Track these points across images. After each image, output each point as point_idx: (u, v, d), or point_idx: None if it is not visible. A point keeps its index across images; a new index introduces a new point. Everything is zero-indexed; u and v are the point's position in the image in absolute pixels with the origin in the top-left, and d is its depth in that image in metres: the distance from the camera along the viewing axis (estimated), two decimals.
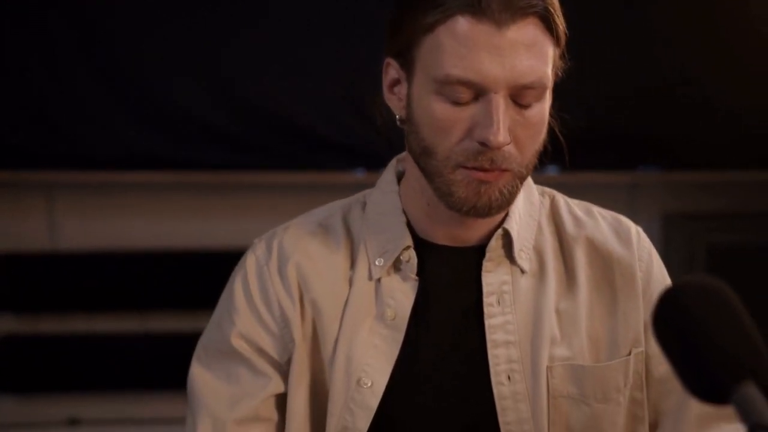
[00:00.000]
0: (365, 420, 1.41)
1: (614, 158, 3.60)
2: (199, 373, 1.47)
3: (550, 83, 1.35)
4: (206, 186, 3.76)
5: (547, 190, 1.54)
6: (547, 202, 1.52)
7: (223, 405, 1.43)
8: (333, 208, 1.52)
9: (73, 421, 3.77)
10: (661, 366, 1.45)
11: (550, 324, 1.42)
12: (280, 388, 1.44)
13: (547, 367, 1.41)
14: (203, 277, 3.61)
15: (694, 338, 0.87)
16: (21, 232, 3.74)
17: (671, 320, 0.90)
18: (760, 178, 3.77)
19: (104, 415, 3.75)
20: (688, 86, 3.66)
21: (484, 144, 1.32)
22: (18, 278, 3.76)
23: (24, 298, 3.78)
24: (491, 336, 1.41)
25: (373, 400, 1.41)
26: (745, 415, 0.85)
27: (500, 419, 1.40)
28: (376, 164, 3.29)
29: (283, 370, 1.44)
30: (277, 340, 1.44)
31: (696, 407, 1.45)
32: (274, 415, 1.45)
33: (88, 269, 3.76)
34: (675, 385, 1.44)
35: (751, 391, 0.85)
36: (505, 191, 1.36)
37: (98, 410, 3.77)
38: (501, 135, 1.31)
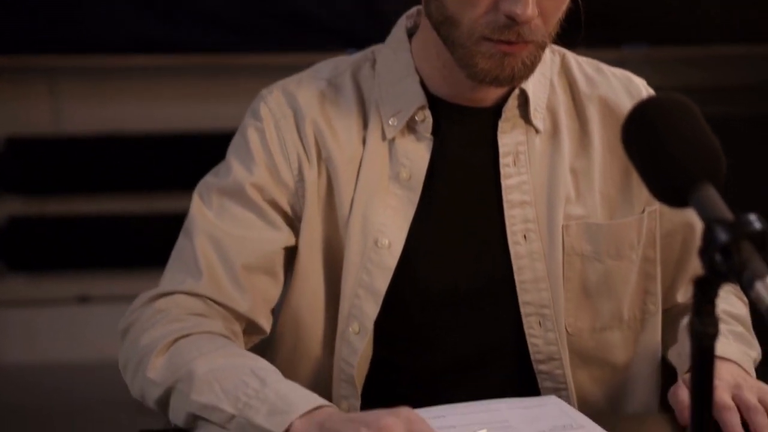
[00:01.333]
0: (383, 280, 1.40)
1: (600, 36, 3.65)
2: (202, 212, 1.42)
3: None
4: (206, 68, 3.82)
5: (556, 47, 1.50)
6: (557, 59, 1.50)
7: (230, 245, 1.39)
8: (340, 66, 1.48)
9: (83, 298, 3.89)
10: (668, 222, 1.48)
11: (565, 183, 1.42)
12: (291, 241, 1.42)
13: (563, 225, 1.41)
14: (203, 158, 3.70)
15: (655, 146, 0.96)
16: (25, 115, 3.81)
17: (635, 131, 0.99)
18: (745, 52, 3.83)
19: (112, 292, 3.86)
20: None
21: (511, 18, 1.28)
22: (24, 161, 3.83)
23: (30, 180, 3.86)
24: (507, 197, 1.41)
25: (391, 261, 1.40)
26: (703, 213, 0.96)
27: (516, 278, 1.41)
28: (368, 45, 3.37)
29: (295, 226, 1.43)
30: (292, 195, 1.41)
31: (695, 266, 1.51)
32: (281, 273, 1.42)
33: (93, 152, 3.84)
34: (676, 240, 1.51)
35: (707, 191, 0.95)
36: (528, 62, 1.34)
37: (106, 287, 3.88)
38: (530, 8, 1.27)
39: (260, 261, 1.40)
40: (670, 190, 0.97)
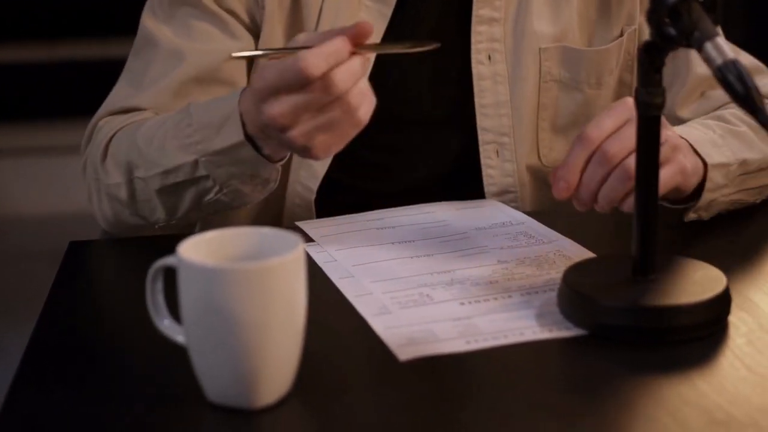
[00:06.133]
0: None
1: None
2: (154, 25, 1.33)
3: None
4: None
5: None
6: None
7: (187, 58, 1.31)
8: None
9: None
10: None
11: (539, 1, 1.35)
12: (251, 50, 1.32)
13: (540, 48, 1.35)
14: (112, 3, 3.60)
15: None
16: None
17: None
18: None
19: (20, 144, 3.78)
20: None
21: None
22: None
23: None
24: (477, 11, 1.34)
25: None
26: None
27: (476, 101, 1.36)
28: None
29: (256, 35, 1.34)
30: (251, 4, 1.32)
31: (692, 81, 1.38)
32: (240, 81, 1.33)
33: None
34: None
35: None
36: None
37: (14, 140, 3.79)
38: None
39: (218, 74, 1.32)
40: None
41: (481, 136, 1.37)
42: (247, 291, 0.84)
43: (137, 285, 0.95)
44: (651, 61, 0.95)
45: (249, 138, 1.13)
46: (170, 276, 0.89)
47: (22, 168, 3.74)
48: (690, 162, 1.17)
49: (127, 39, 1.38)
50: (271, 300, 0.85)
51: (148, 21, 1.34)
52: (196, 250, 0.88)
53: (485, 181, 1.37)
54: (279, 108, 1.03)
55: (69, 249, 1.26)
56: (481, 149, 1.37)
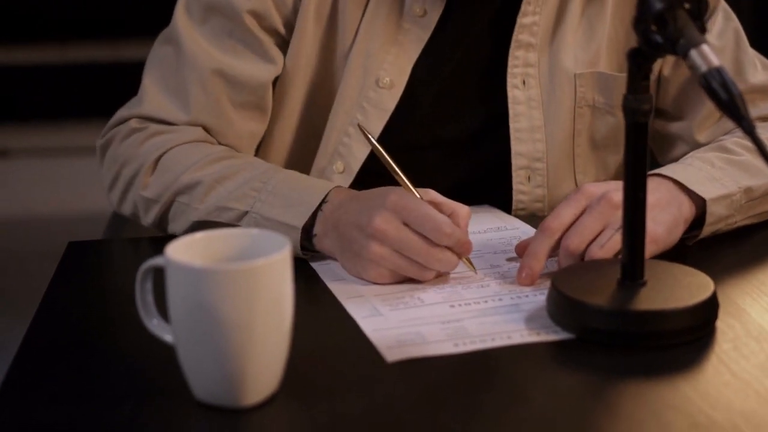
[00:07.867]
0: (380, 122, 1.32)
1: None
2: (188, 30, 1.31)
3: None
4: None
5: None
6: None
7: (218, 75, 1.31)
8: None
9: (2, 152, 3.81)
10: (666, 67, 1.40)
11: (573, 29, 1.35)
12: (280, 71, 1.33)
13: (576, 74, 1.35)
14: (122, 4, 3.62)
15: None
16: None
17: None
18: None
19: (32, 145, 3.80)
20: None
21: None
22: None
23: None
24: (517, 36, 1.33)
25: (391, 102, 1.32)
26: None
27: (511, 125, 1.35)
28: None
29: (286, 49, 1.33)
30: (289, 13, 1.31)
31: (708, 106, 1.37)
32: (270, 103, 1.35)
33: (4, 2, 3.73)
34: (677, 84, 1.40)
35: None
36: None
37: (26, 141, 3.81)
38: None
39: (254, 98, 1.33)
40: None
41: (515, 161, 1.36)
42: (233, 291, 0.85)
43: (132, 285, 0.96)
44: (638, 68, 0.96)
45: (307, 229, 1.18)
46: (162, 276, 0.90)
47: (31, 168, 3.76)
48: (665, 220, 1.17)
49: (137, 42, 1.39)
50: (258, 300, 0.86)
51: (180, 17, 1.32)
52: (184, 250, 0.89)
53: (515, 205, 1.37)
54: (390, 227, 1.10)
55: (68, 249, 1.27)
56: (513, 175, 1.36)
